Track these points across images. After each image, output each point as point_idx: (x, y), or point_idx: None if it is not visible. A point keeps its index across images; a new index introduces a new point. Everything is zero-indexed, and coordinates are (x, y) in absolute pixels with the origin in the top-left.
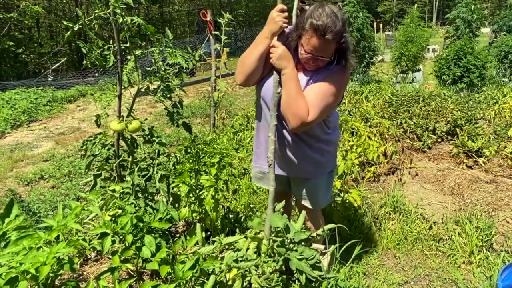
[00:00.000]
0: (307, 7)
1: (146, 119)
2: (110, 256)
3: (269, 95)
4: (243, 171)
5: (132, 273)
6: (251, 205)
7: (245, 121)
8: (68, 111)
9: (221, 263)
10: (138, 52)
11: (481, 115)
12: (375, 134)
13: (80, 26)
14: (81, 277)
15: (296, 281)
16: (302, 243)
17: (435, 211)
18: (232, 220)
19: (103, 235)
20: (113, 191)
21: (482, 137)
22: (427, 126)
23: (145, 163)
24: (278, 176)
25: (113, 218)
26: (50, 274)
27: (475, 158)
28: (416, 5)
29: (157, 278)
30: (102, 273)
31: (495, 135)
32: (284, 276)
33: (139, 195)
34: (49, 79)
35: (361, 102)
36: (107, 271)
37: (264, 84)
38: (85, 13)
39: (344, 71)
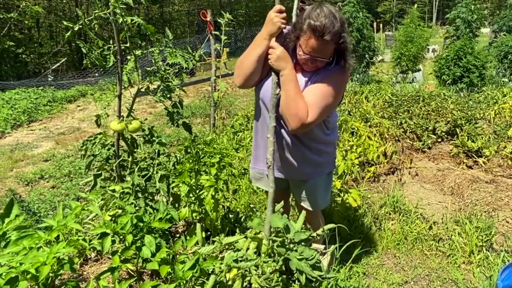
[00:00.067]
0: (307, 7)
1: (146, 119)
2: (110, 256)
3: (268, 97)
4: (243, 171)
5: (132, 273)
6: (251, 205)
7: (245, 121)
8: (68, 111)
9: (221, 263)
10: (138, 52)
11: (481, 115)
12: (375, 134)
13: (80, 26)
14: (81, 277)
15: (296, 281)
16: (302, 243)
17: (435, 211)
18: (232, 220)
19: (103, 235)
20: (113, 191)
21: (482, 137)
22: (427, 126)
23: (145, 163)
24: (276, 179)
25: (113, 218)
26: (50, 274)
27: (475, 158)
28: (416, 5)
29: (157, 278)
30: (102, 273)
31: (495, 135)
32: (284, 276)
33: (139, 195)
34: (49, 79)
35: (361, 102)
36: (107, 271)
37: (262, 85)
38: (85, 13)
39: (343, 72)
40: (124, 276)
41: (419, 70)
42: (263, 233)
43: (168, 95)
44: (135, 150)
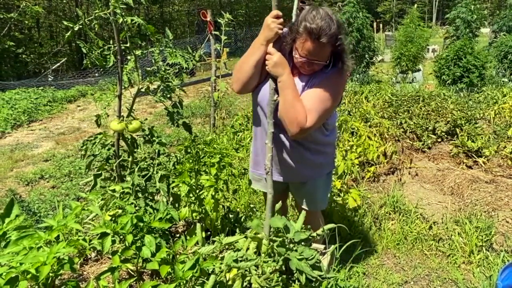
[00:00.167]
0: (307, 7)
1: (146, 119)
2: (110, 256)
3: (266, 101)
4: (243, 171)
5: (132, 273)
6: (251, 205)
7: (245, 121)
8: (68, 111)
9: (221, 263)
10: (138, 52)
11: (481, 115)
12: (375, 134)
13: (80, 26)
14: (81, 277)
15: (296, 281)
16: (302, 243)
17: (435, 211)
18: (232, 220)
19: (103, 235)
20: (113, 191)
21: (482, 137)
22: (427, 126)
23: (145, 163)
24: (276, 182)
25: (113, 218)
26: (50, 274)
27: (475, 158)
28: (416, 5)
29: (157, 278)
30: (102, 273)
31: (494, 135)
32: (284, 276)
33: (139, 195)
34: (49, 79)
35: (361, 102)
36: (107, 271)
37: (260, 90)
38: (85, 13)
39: (341, 74)
40: (124, 276)
41: (419, 70)
42: (263, 233)
43: (168, 95)
44: (135, 150)
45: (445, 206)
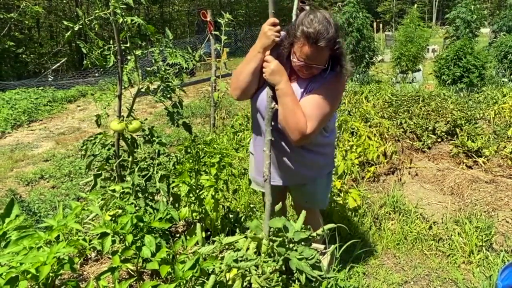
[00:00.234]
0: (307, 7)
1: (146, 119)
2: (110, 256)
3: (264, 105)
4: (243, 171)
5: (132, 273)
6: (251, 205)
7: (245, 121)
8: (68, 111)
9: (221, 263)
10: (138, 52)
11: (481, 115)
12: (375, 134)
13: (81, 26)
14: (81, 277)
15: (296, 281)
16: (302, 243)
17: (435, 211)
18: (232, 220)
19: (103, 235)
20: (113, 191)
21: (482, 137)
22: (427, 126)
23: (145, 163)
24: (277, 186)
25: (113, 218)
26: (51, 274)
27: (475, 158)
28: (416, 5)
29: (157, 278)
30: (102, 273)
31: (494, 135)
32: (284, 276)
33: (139, 195)
34: (49, 79)
35: (361, 102)
36: (107, 271)
37: (258, 96)
38: (86, 13)
39: (340, 77)
40: (124, 276)
41: (419, 70)
42: (263, 233)
43: (168, 95)
44: (135, 150)
45: (445, 206)
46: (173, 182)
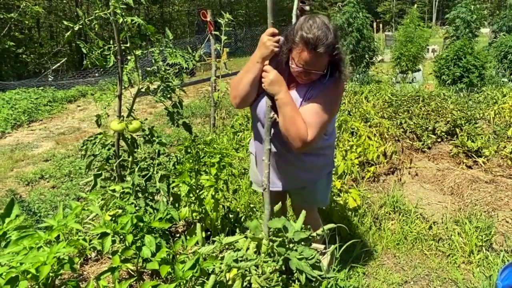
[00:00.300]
0: (307, 7)
1: (146, 119)
2: (111, 256)
3: (264, 114)
4: (243, 171)
5: (132, 273)
6: (251, 205)
7: (245, 121)
8: (69, 111)
9: (221, 263)
10: (138, 52)
11: (481, 115)
12: (375, 134)
13: (81, 26)
14: (81, 276)
15: (296, 280)
16: (302, 243)
17: (435, 211)
18: (232, 220)
19: (104, 235)
20: (113, 191)
21: (482, 137)
22: (427, 126)
23: (145, 163)
24: (277, 192)
25: (113, 218)
26: (51, 274)
27: (475, 158)
28: (415, 5)
29: (157, 278)
30: (102, 273)
31: (494, 135)
32: (284, 276)
33: (139, 195)
34: (50, 79)
35: (361, 102)
36: (108, 271)
37: (258, 104)
38: (86, 13)
39: (338, 84)
40: (124, 276)
41: (418, 70)
42: (263, 233)
43: (168, 95)
44: (135, 150)
45: (445, 206)
46: (173, 182)
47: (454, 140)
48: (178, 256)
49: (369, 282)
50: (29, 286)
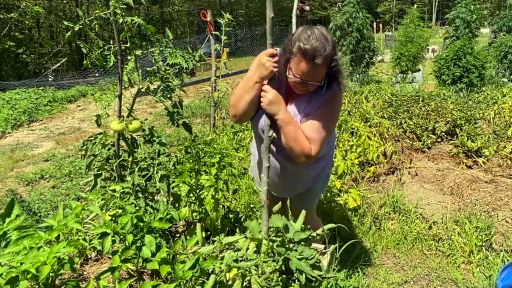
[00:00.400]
0: (307, 7)
1: (146, 119)
2: (111, 256)
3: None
4: (243, 171)
5: (133, 273)
6: (251, 205)
7: None
8: (69, 111)
9: (221, 263)
10: (138, 52)
11: (481, 115)
12: (374, 134)
13: (81, 26)
14: (81, 276)
15: (296, 280)
16: (302, 243)
17: (435, 211)
18: (232, 220)
19: (104, 235)
20: (114, 191)
21: (482, 137)
22: (427, 126)
23: (146, 163)
24: (278, 197)
25: (114, 218)
26: (51, 274)
27: (475, 158)
28: (415, 5)
29: (157, 277)
30: (102, 273)
31: (494, 135)
32: (284, 276)
33: (140, 195)
34: (50, 79)
35: (361, 102)
36: (108, 270)
37: (260, 118)
38: (86, 13)
39: (336, 96)
40: (124, 276)
41: (418, 70)
42: (262, 233)
43: (168, 95)
44: (135, 150)
45: (445, 206)
46: (173, 182)
47: (454, 140)
48: (178, 256)
49: (369, 282)
50: (29, 286)
